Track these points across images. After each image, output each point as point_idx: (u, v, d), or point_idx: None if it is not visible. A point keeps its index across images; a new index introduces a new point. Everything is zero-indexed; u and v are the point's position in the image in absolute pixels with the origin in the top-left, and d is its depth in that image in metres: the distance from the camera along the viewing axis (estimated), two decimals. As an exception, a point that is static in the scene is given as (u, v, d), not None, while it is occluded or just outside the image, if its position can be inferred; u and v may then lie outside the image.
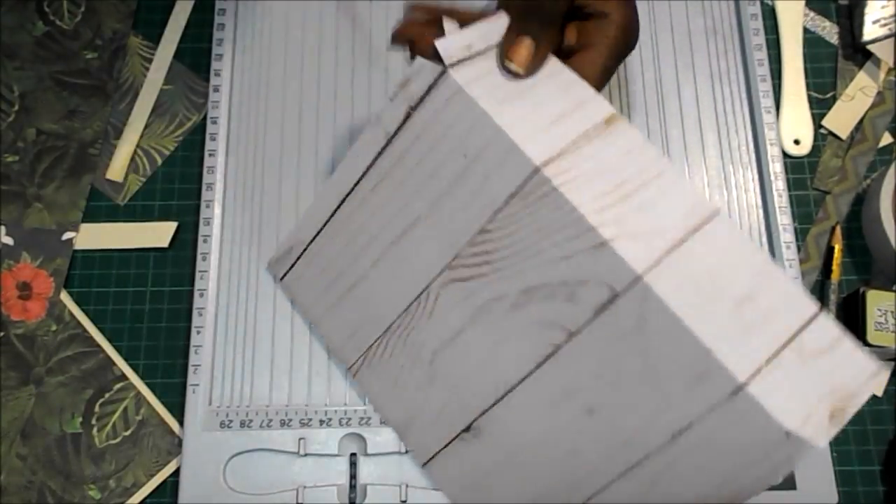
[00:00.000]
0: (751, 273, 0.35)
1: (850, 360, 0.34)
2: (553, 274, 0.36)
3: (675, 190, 0.36)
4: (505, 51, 0.38)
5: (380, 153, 0.40)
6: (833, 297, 0.53)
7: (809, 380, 0.33)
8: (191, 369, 0.50)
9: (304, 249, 0.47)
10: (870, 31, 0.58)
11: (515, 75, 0.37)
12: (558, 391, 0.38)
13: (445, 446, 0.43)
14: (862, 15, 0.58)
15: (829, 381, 0.33)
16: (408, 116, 0.38)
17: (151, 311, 0.53)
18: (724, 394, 0.32)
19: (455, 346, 0.41)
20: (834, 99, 0.58)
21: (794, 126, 0.57)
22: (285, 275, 0.49)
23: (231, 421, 0.49)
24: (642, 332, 0.34)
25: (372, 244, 0.43)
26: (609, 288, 0.34)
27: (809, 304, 0.34)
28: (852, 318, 0.52)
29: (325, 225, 0.45)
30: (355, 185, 0.42)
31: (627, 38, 0.40)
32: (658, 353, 0.34)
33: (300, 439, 0.48)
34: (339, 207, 0.44)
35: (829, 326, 0.34)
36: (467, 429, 0.42)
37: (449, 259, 0.40)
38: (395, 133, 0.39)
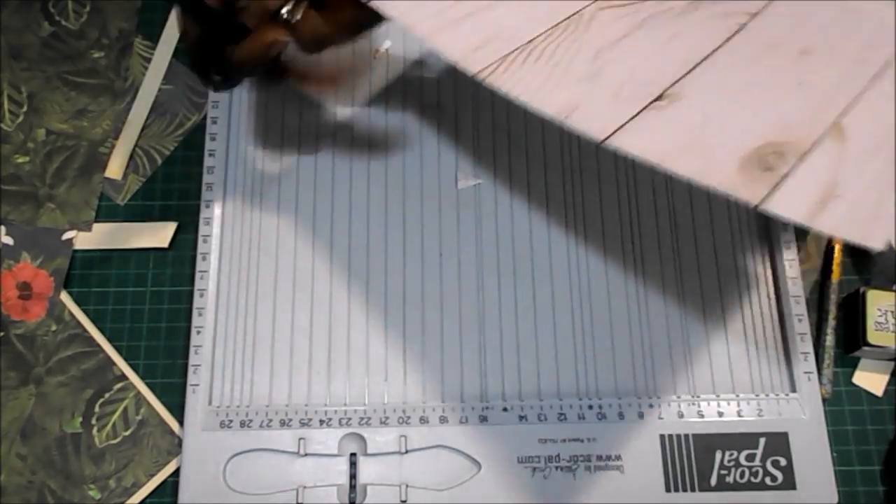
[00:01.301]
0: None
1: None
2: None
3: None
4: None
5: None
6: (833, 297, 0.53)
7: None
8: (191, 369, 0.50)
9: None
10: (870, 31, 0.58)
11: None
12: (758, 49, 0.39)
13: (632, 118, 0.40)
14: (862, 15, 0.58)
15: None
16: None
17: (151, 311, 0.53)
18: None
19: (620, 46, 0.41)
20: (834, 99, 0.58)
21: (794, 126, 0.57)
22: None
23: (231, 421, 0.49)
24: None
25: None
26: None
27: None
28: (852, 318, 0.52)
29: None
30: None
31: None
32: None
33: (300, 439, 0.48)
34: None
35: None
36: (659, 97, 0.39)
37: None
38: None
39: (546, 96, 0.41)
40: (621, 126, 0.38)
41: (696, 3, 0.39)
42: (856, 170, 0.35)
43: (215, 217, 0.53)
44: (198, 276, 0.52)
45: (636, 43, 0.40)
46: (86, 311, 0.53)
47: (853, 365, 0.52)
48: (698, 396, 0.49)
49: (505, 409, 0.49)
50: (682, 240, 0.53)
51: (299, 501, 0.47)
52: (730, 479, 0.48)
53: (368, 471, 0.48)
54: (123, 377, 0.51)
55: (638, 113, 0.39)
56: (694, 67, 0.39)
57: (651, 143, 0.38)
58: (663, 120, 0.38)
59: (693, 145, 0.38)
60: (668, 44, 0.40)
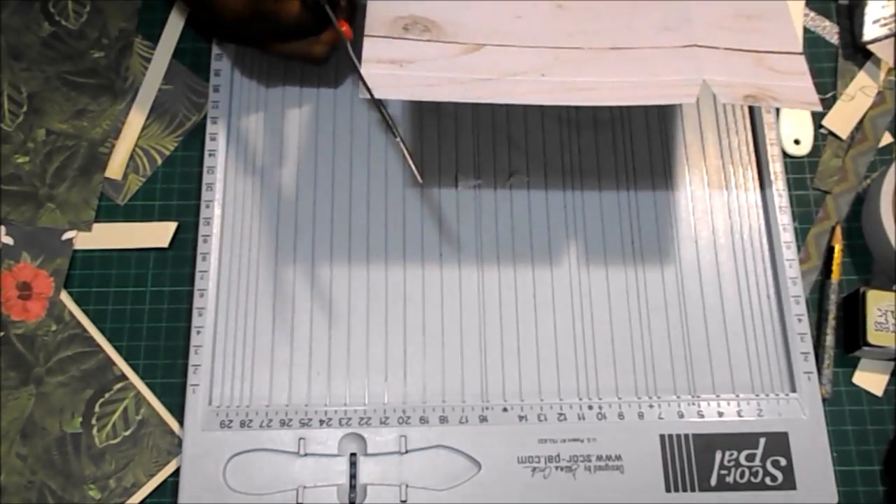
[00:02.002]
0: None
1: None
2: None
3: None
4: None
5: None
6: (833, 297, 0.53)
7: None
8: (191, 369, 0.50)
9: None
10: (870, 31, 0.58)
11: None
12: None
13: None
14: (862, 15, 0.58)
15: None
16: None
17: (151, 311, 0.53)
18: None
19: None
20: (834, 99, 0.58)
21: (794, 126, 0.57)
22: None
23: (231, 421, 0.49)
24: None
25: None
26: None
27: None
28: (852, 318, 0.52)
29: None
30: None
31: None
32: None
33: (300, 439, 0.48)
34: None
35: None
36: None
37: None
38: None
39: None
40: None
41: None
42: None
43: (215, 217, 0.53)
44: (198, 276, 0.52)
45: None
46: (86, 311, 0.53)
47: (853, 365, 0.52)
48: (698, 396, 0.49)
49: (505, 409, 0.49)
50: (683, 240, 0.53)
51: (299, 501, 0.47)
52: (730, 479, 0.48)
53: (368, 471, 0.48)
54: (123, 377, 0.51)
55: None
56: None
57: None
58: None
59: None
60: None
